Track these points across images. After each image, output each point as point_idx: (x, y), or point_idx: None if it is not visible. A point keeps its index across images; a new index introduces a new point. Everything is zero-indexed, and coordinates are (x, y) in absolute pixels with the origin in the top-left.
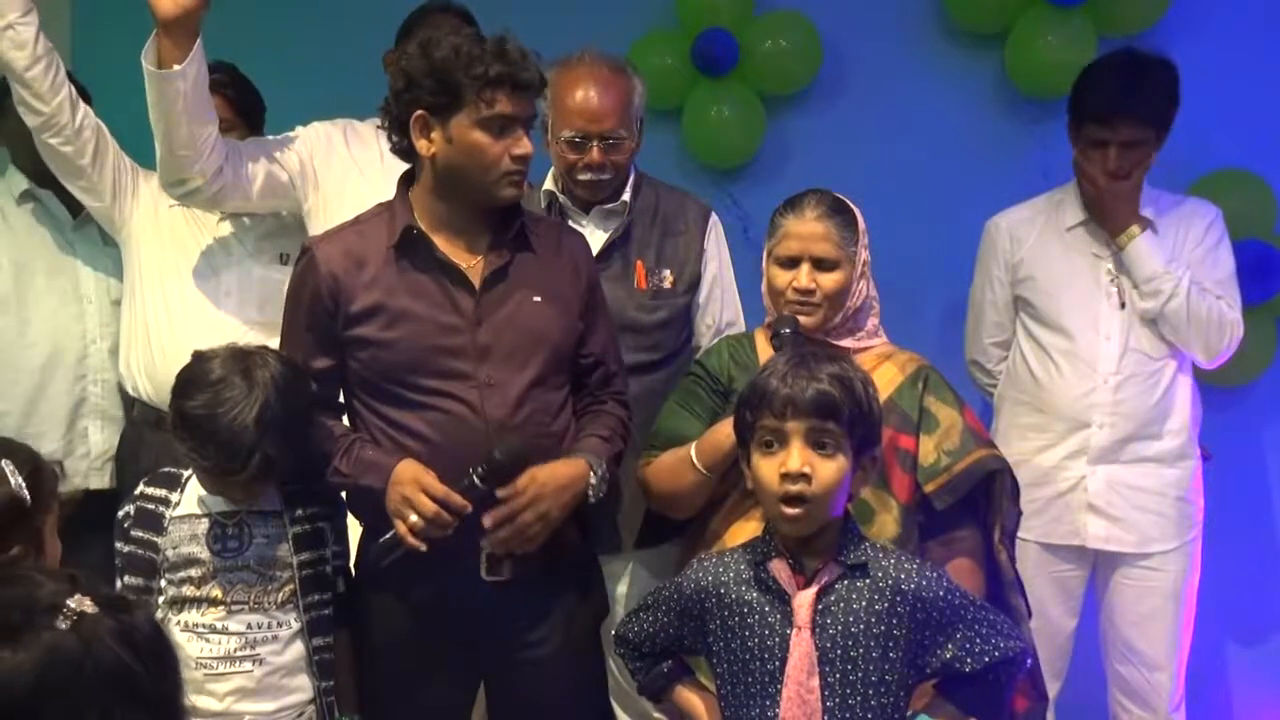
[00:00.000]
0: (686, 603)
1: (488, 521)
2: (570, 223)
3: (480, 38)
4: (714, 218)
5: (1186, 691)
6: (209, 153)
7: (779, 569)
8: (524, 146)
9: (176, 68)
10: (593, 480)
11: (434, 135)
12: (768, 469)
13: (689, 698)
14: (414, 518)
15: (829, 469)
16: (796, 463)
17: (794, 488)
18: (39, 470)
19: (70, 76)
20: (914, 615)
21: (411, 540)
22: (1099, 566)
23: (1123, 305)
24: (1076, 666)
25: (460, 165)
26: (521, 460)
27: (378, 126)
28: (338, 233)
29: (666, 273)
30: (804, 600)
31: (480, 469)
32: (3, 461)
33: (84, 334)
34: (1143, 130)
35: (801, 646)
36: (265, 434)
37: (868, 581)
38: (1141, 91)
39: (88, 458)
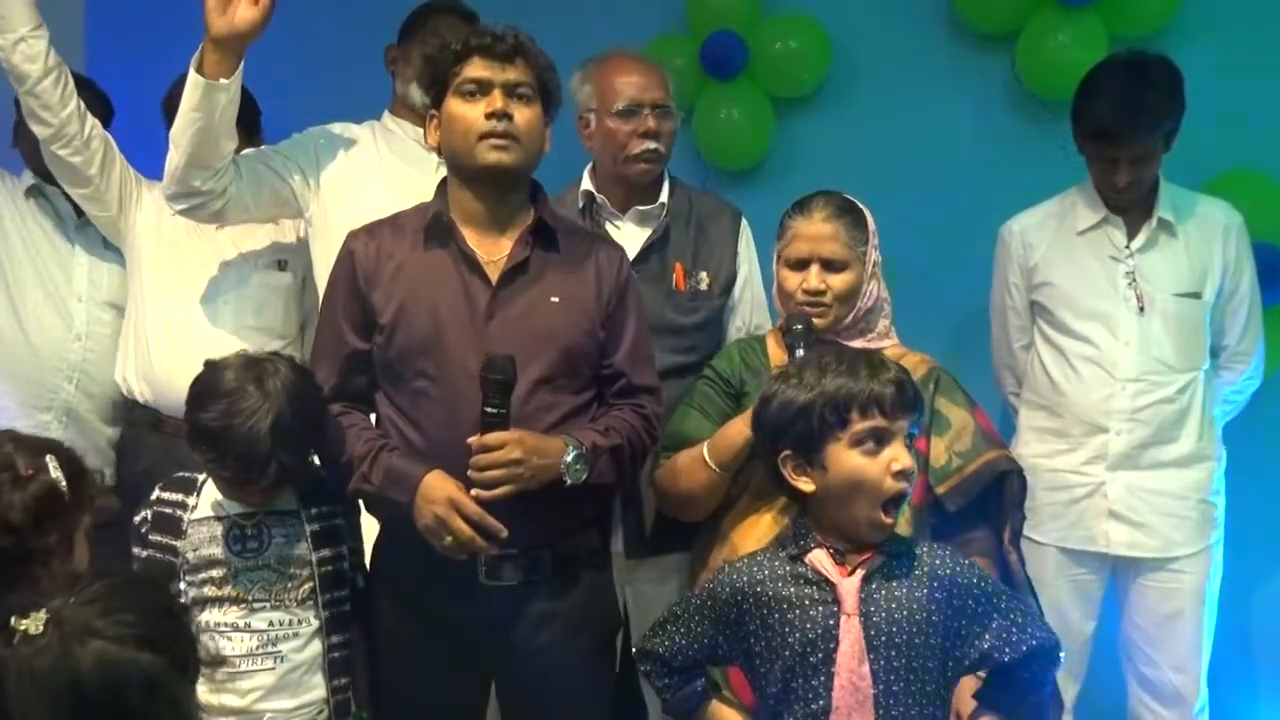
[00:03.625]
0: (722, 608)
1: (476, 447)
2: (608, 224)
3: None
4: (744, 221)
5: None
6: (224, 170)
7: (819, 560)
8: (495, 103)
9: (224, 81)
10: (568, 458)
11: (436, 123)
12: (876, 468)
13: (727, 714)
14: (449, 539)
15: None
16: (909, 460)
17: (905, 485)
18: (81, 474)
19: (91, 84)
20: (950, 602)
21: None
22: (1119, 571)
23: (1141, 310)
24: (1094, 669)
25: (448, 141)
26: (509, 365)
27: (374, 129)
28: (376, 225)
29: (703, 275)
30: (850, 587)
31: (487, 400)
32: (47, 456)
33: (69, 330)
34: (1151, 143)
35: (852, 633)
36: (280, 442)
37: (907, 569)
38: (1145, 106)
39: None
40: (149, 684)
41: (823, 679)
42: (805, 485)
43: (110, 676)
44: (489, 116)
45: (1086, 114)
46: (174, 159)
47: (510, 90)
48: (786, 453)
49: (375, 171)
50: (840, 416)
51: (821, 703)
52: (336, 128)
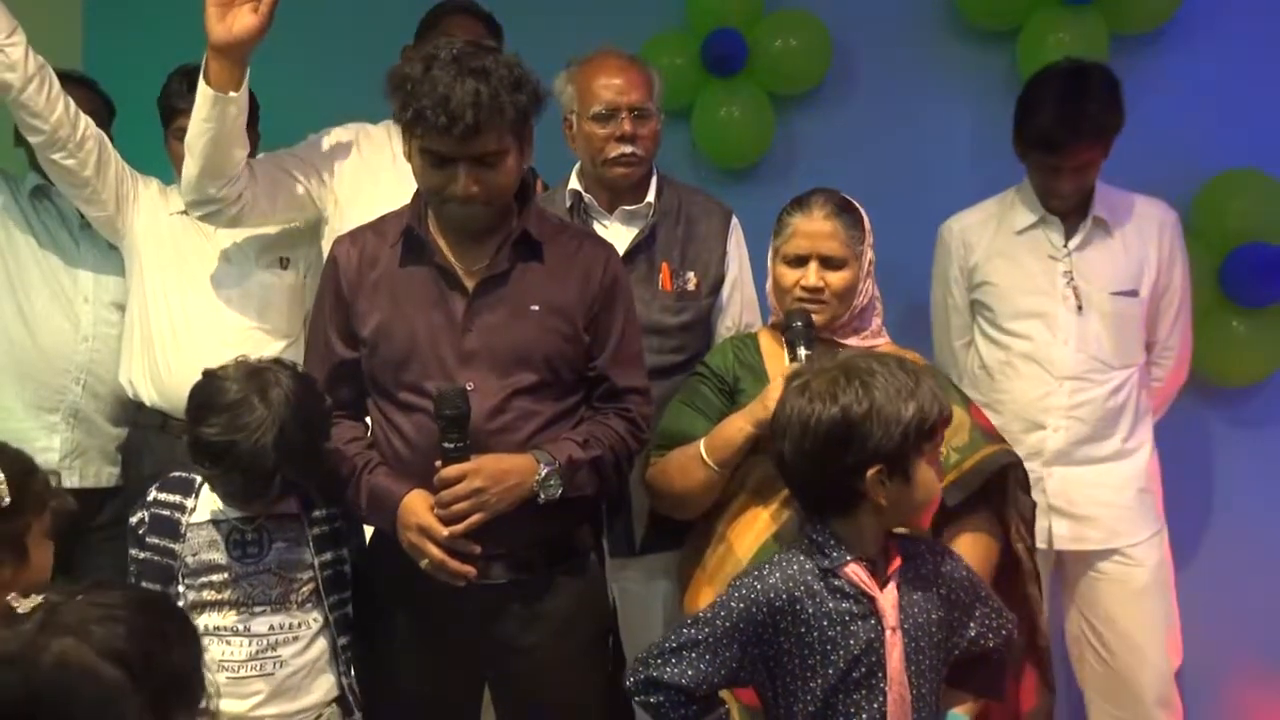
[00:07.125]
0: (756, 628)
1: (437, 483)
2: (595, 223)
3: (453, 58)
4: (735, 220)
5: (1185, 694)
6: (239, 177)
7: (856, 573)
8: (459, 186)
9: (233, 94)
10: (539, 475)
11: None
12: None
13: None
14: (425, 562)
15: None
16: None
17: None
18: (29, 474)
19: (93, 84)
20: (948, 597)
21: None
22: (1067, 567)
23: (1079, 308)
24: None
25: (420, 185)
26: (461, 399)
27: (389, 129)
28: (360, 231)
29: (691, 275)
30: (890, 600)
31: (444, 435)
32: None
33: (76, 331)
34: (1091, 151)
35: (898, 647)
36: (284, 456)
37: (918, 571)
38: (1086, 115)
39: (45, 451)
40: (101, 700)
41: (864, 693)
42: (882, 499)
43: (65, 678)
44: (455, 194)
45: (1028, 125)
46: (189, 168)
47: (476, 160)
48: (880, 467)
49: (390, 171)
50: (933, 434)
51: (865, 716)
52: (351, 128)
